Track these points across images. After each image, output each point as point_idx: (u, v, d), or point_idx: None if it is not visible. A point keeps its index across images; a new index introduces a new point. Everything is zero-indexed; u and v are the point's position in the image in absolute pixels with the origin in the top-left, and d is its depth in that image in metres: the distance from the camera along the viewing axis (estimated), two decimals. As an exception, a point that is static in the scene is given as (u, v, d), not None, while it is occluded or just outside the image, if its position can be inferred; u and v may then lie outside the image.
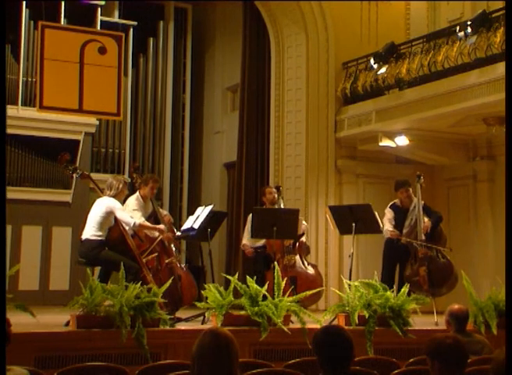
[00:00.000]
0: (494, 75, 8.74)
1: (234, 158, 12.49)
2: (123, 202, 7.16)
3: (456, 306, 5.37)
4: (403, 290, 6.43)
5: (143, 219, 7.09)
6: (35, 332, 5.32)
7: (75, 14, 11.90)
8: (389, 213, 8.25)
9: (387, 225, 8.05)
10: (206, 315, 6.29)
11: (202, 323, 6.54)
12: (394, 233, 7.99)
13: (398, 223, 8.18)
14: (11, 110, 10.83)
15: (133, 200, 7.36)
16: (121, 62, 10.65)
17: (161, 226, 7.07)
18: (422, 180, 8.25)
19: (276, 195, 8.21)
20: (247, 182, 12.02)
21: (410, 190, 8.23)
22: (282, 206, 8.41)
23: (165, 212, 8.08)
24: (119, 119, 11.82)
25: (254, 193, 11.89)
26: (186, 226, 7.62)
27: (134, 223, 6.75)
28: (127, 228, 6.86)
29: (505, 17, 7.95)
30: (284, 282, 6.08)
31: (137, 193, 7.44)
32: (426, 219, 8.07)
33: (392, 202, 8.43)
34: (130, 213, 7.07)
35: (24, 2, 11.65)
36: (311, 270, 8.09)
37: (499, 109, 7.73)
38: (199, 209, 7.67)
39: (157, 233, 7.12)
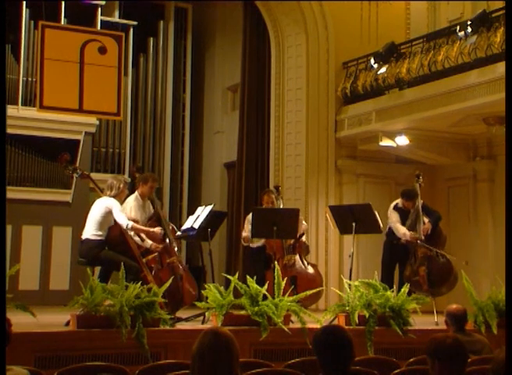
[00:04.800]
0: (494, 75, 8.74)
1: (234, 158, 12.49)
2: (123, 202, 7.16)
3: (453, 306, 5.38)
4: (403, 290, 6.43)
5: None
6: (35, 332, 5.32)
7: (75, 14, 11.89)
8: (395, 215, 8.22)
9: (402, 228, 8.03)
10: (206, 315, 6.30)
11: (202, 323, 6.55)
12: (414, 237, 7.95)
13: (401, 222, 8.18)
14: (11, 110, 10.81)
15: (132, 200, 7.34)
16: (121, 61, 10.65)
17: (156, 229, 7.02)
18: (421, 179, 8.28)
19: (274, 201, 8.20)
20: (247, 182, 12.02)
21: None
22: (281, 206, 8.41)
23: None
24: (119, 119, 11.82)
25: (254, 193, 11.89)
26: (186, 226, 7.61)
27: (127, 225, 6.74)
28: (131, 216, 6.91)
29: (505, 17, 7.95)
30: (284, 282, 6.08)
31: (136, 192, 7.41)
32: (426, 220, 8.08)
33: (395, 203, 8.41)
34: (129, 213, 7.09)
35: (24, 2, 11.63)
36: (310, 270, 8.09)
37: (499, 109, 7.72)
38: (199, 209, 7.66)
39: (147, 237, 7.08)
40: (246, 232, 8.14)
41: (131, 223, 6.81)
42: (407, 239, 7.97)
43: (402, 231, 8.03)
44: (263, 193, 8.46)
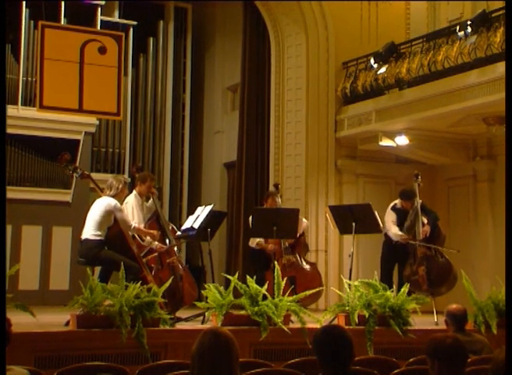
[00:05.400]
0: (494, 75, 8.74)
1: (234, 158, 12.49)
2: (123, 202, 7.16)
3: (453, 306, 5.37)
4: (403, 290, 6.43)
5: (142, 224, 7.14)
6: (35, 332, 5.32)
7: (75, 14, 11.89)
8: (391, 215, 8.25)
9: (394, 228, 8.07)
10: (206, 315, 6.30)
11: (202, 323, 6.55)
12: (405, 238, 7.98)
13: (398, 223, 8.19)
14: (11, 110, 10.81)
15: (132, 200, 7.35)
16: (121, 61, 10.66)
17: (154, 232, 7.06)
18: (420, 179, 8.28)
19: (278, 204, 8.20)
20: (247, 182, 12.02)
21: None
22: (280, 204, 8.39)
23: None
24: (119, 119, 11.83)
25: (254, 193, 11.89)
26: (186, 226, 7.61)
27: (134, 227, 6.82)
28: (131, 219, 6.91)
29: (505, 17, 7.95)
30: (284, 282, 6.08)
31: (134, 191, 7.42)
32: (425, 221, 8.08)
33: (393, 203, 8.43)
34: (131, 214, 7.11)
35: (24, 2, 11.63)
36: (309, 269, 8.09)
37: (499, 109, 7.73)
38: (199, 209, 7.66)
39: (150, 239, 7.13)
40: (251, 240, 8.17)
41: (136, 225, 6.87)
42: (399, 240, 8.00)
43: (394, 231, 8.05)
44: (268, 195, 8.41)
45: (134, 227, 6.84)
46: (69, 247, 11.52)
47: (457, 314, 5.30)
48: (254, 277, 6.07)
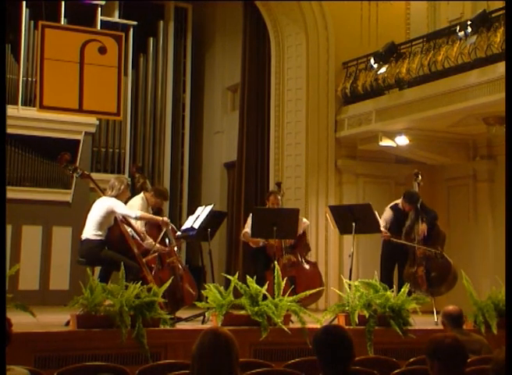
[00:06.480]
0: (494, 75, 8.74)
1: (234, 158, 12.50)
2: (126, 203, 7.16)
3: (450, 307, 5.37)
4: (403, 290, 6.43)
5: (143, 228, 7.16)
6: (35, 332, 5.32)
7: (75, 14, 11.89)
8: (387, 213, 8.26)
9: (381, 224, 8.05)
10: (206, 315, 6.31)
11: (202, 323, 6.55)
12: (387, 235, 7.99)
13: (399, 223, 8.17)
14: (11, 110, 10.82)
15: (138, 202, 7.38)
16: (121, 61, 10.68)
17: (165, 218, 7.06)
18: (420, 178, 8.27)
19: (280, 203, 8.20)
20: (247, 182, 12.02)
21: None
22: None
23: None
24: (119, 119, 11.84)
25: (254, 193, 11.89)
26: (186, 226, 7.61)
27: (136, 216, 6.80)
28: (133, 222, 6.89)
29: (505, 17, 7.95)
30: (284, 282, 6.09)
31: (143, 194, 7.45)
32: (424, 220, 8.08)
33: (394, 203, 8.41)
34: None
35: (24, 2, 11.63)
36: (310, 269, 8.09)
37: (499, 109, 7.73)
38: (199, 209, 7.67)
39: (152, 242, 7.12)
40: (247, 228, 8.14)
41: (139, 213, 6.86)
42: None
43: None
44: (270, 193, 8.41)
45: (137, 216, 6.81)
46: (69, 247, 11.53)
47: (453, 313, 5.29)
48: (254, 277, 6.07)
